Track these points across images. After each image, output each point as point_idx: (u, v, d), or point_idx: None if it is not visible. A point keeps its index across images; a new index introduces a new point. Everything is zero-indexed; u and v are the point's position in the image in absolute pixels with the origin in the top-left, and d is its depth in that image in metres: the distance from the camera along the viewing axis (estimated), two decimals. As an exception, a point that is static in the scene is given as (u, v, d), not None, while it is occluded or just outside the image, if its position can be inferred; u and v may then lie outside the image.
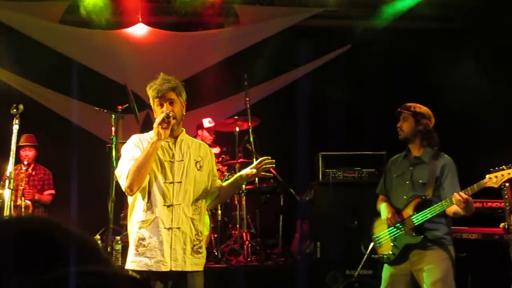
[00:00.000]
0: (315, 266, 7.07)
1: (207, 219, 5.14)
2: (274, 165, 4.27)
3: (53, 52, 9.00)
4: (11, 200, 5.05)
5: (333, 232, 7.05)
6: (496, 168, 4.58)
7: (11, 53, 8.85)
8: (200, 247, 4.16)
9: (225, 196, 4.72)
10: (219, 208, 7.32)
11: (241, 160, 7.77)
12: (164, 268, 3.99)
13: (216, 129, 8.52)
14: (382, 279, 5.01)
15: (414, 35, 9.71)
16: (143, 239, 4.01)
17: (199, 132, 8.48)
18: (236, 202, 7.80)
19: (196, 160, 4.22)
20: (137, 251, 4.03)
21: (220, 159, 7.84)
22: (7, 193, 5.01)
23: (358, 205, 7.00)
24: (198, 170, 4.21)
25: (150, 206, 4.03)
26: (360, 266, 6.07)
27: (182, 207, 4.08)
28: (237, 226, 7.62)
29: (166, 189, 4.06)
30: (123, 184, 4.02)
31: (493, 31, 8.72)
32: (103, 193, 7.22)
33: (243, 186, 7.54)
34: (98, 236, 7.39)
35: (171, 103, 4.11)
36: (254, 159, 7.54)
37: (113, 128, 7.10)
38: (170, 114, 4.00)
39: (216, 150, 8.33)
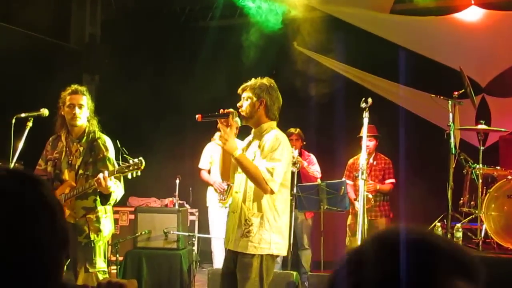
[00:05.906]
0: None
1: None
2: None
3: (383, 41, 9.21)
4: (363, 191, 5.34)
5: None
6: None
7: (339, 44, 9.29)
8: (249, 232, 4.43)
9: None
10: None
11: None
12: (226, 246, 4.68)
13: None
14: None
15: None
16: None
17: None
18: None
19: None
20: None
21: None
22: (361, 184, 5.30)
23: None
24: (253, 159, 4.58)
25: None
26: None
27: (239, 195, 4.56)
28: None
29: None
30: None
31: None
32: (441, 180, 7.21)
33: None
34: (438, 223, 7.39)
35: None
36: None
37: (450, 115, 7.04)
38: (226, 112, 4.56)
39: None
